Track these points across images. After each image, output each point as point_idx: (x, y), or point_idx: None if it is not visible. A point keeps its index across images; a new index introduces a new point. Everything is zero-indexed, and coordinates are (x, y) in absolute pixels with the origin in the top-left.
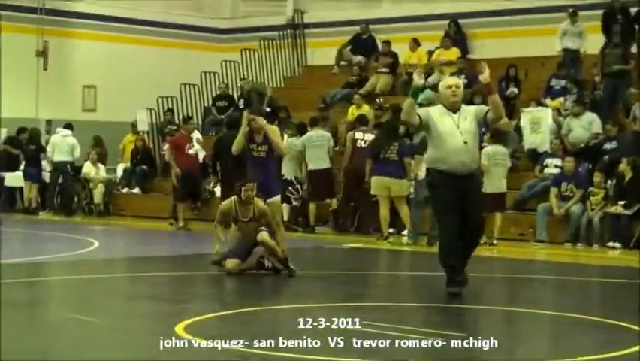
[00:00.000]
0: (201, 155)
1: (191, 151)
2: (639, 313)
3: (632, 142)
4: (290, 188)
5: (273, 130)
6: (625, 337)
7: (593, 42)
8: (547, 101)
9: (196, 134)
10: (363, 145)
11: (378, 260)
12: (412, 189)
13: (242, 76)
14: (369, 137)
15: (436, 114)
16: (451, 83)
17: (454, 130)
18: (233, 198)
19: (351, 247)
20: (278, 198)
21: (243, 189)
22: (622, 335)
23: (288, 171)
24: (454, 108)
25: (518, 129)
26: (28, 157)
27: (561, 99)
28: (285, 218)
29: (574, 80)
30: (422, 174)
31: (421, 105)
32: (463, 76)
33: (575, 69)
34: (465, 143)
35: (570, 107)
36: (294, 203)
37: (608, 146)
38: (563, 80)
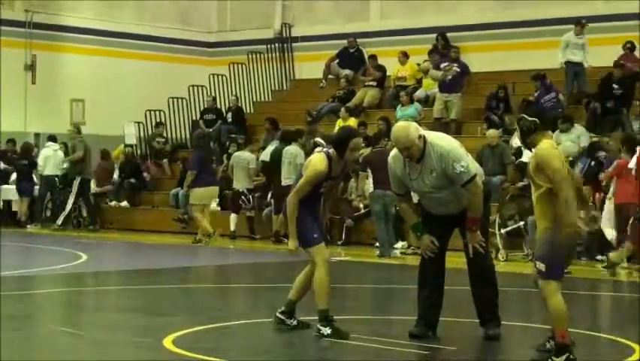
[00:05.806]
0: None
1: None
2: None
3: None
4: (243, 198)
5: None
6: (615, 350)
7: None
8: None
9: None
10: None
11: (368, 273)
12: (361, 205)
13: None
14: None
15: None
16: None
17: None
18: None
19: (339, 260)
20: None
21: None
22: (612, 348)
23: (238, 182)
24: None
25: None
26: (21, 172)
27: None
28: (232, 228)
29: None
30: (370, 188)
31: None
32: (456, 65)
33: (577, 82)
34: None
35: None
36: (248, 213)
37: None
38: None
